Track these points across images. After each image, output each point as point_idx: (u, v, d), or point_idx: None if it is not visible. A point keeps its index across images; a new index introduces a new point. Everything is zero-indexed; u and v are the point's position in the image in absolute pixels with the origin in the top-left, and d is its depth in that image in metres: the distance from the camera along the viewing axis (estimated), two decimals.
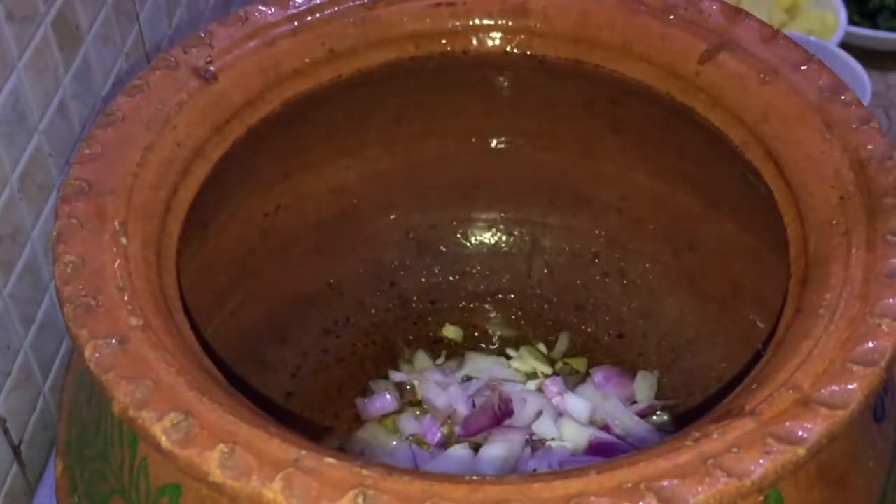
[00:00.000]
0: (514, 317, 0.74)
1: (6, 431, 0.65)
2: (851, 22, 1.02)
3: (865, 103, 0.84)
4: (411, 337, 0.74)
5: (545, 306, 0.74)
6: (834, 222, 0.48)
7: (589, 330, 0.73)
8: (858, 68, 0.91)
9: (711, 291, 0.66)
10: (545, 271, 0.74)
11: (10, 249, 0.63)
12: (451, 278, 0.74)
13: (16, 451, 0.66)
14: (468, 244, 0.74)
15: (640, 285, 0.71)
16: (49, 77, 0.65)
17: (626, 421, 0.67)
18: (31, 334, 0.66)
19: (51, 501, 0.53)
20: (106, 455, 0.46)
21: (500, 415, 0.67)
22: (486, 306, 0.75)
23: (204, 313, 0.62)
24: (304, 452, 0.39)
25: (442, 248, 0.74)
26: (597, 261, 0.72)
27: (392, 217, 0.71)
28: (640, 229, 0.69)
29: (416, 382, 0.70)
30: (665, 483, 0.38)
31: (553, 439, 0.66)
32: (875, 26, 1.03)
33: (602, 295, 0.73)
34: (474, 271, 0.75)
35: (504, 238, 0.74)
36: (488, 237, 0.74)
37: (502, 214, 0.73)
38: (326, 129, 0.63)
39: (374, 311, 0.73)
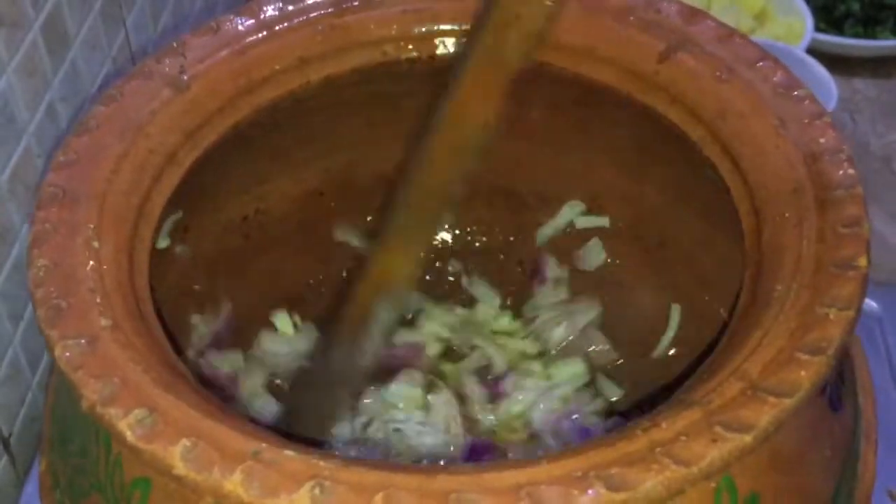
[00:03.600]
0: None
1: None
2: (818, 29, 1.03)
3: (831, 108, 0.86)
4: None
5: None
6: (787, 214, 0.49)
7: None
8: (825, 74, 0.92)
9: (680, 285, 0.67)
10: (517, 269, 0.74)
11: (0, 249, 0.64)
12: (427, 278, 0.74)
13: (6, 444, 0.67)
14: (438, 245, 0.74)
15: (610, 281, 0.71)
16: (38, 80, 0.66)
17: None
18: (20, 331, 0.68)
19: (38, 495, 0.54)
20: (84, 451, 0.47)
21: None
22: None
23: (186, 315, 0.63)
24: (264, 445, 0.40)
25: None
26: None
27: (366, 219, 0.71)
28: (611, 227, 0.70)
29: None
30: (614, 471, 0.39)
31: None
32: (841, 33, 1.05)
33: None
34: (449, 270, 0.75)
35: (477, 237, 0.75)
36: (459, 238, 0.75)
37: (473, 215, 0.73)
38: (299, 134, 0.64)
39: None
